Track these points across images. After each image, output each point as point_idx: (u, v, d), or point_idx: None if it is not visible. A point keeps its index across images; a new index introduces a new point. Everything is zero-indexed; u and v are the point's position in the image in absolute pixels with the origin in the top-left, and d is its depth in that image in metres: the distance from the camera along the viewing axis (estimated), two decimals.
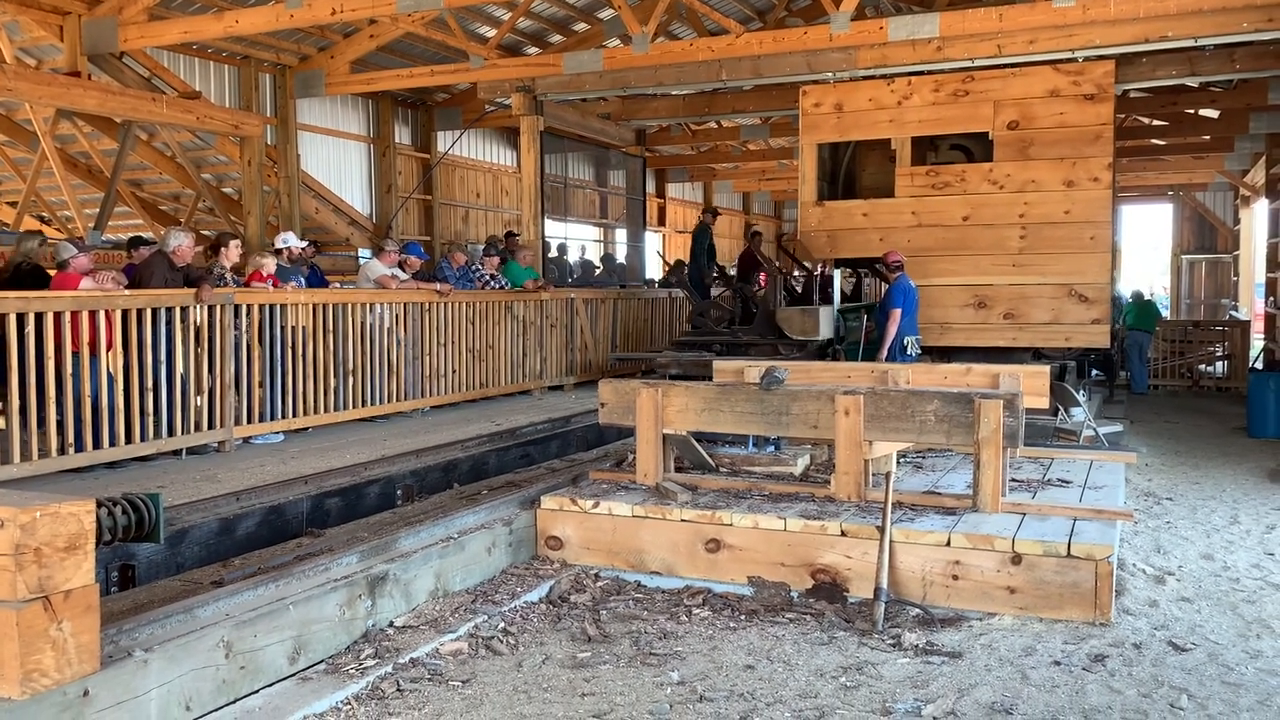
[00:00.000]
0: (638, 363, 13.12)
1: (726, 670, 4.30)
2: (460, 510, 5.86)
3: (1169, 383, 15.71)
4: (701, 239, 15.03)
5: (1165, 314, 21.40)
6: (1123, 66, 10.24)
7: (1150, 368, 15.43)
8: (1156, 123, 17.32)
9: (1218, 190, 24.44)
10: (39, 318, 6.66)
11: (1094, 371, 13.56)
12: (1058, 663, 4.32)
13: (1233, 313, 20.32)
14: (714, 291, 14.72)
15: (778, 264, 17.06)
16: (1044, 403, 6.61)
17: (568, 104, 13.73)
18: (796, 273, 22.54)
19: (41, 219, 14.54)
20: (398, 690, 4.03)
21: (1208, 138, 17.61)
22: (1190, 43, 9.76)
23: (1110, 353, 12.62)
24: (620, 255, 19.02)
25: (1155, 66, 10.72)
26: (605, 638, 4.68)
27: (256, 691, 3.95)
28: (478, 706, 3.93)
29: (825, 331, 10.43)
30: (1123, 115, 14.77)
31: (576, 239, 18.28)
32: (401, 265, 10.48)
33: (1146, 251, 28.02)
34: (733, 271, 15.91)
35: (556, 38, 15.40)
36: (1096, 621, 4.76)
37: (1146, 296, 16.54)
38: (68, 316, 6.86)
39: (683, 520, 5.57)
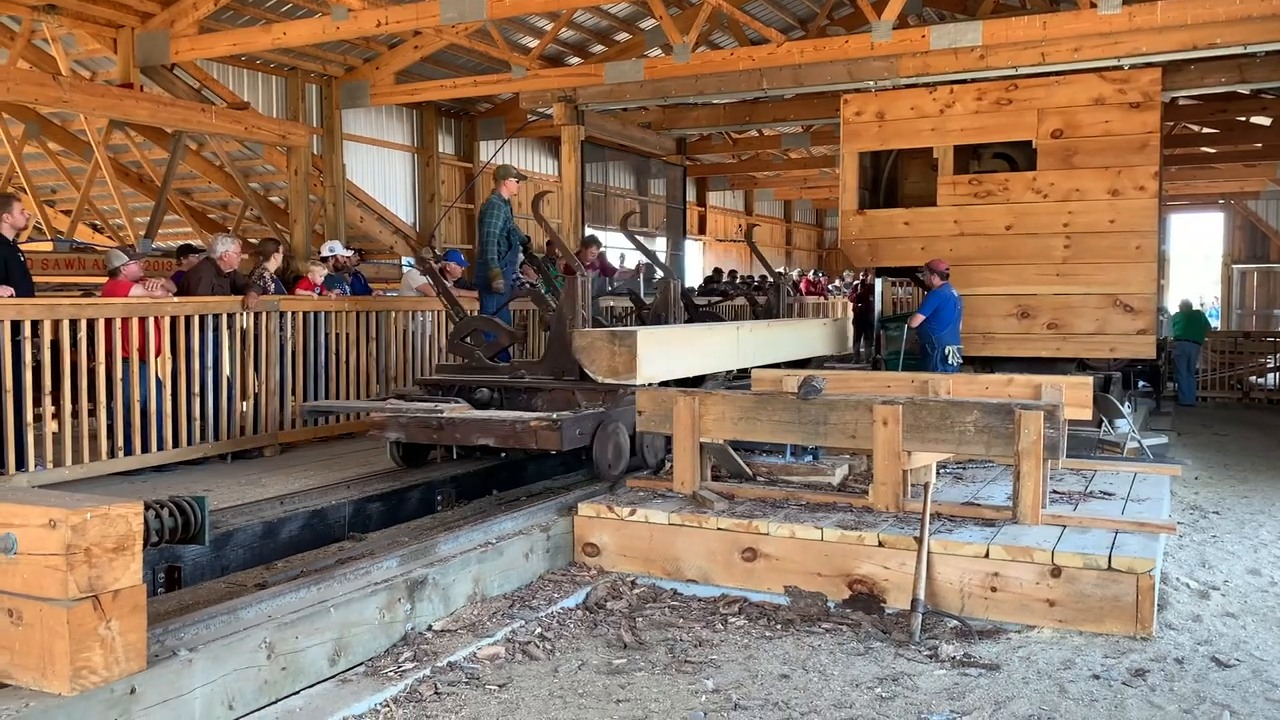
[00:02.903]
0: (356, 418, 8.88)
1: (762, 679, 4.30)
2: (499, 516, 5.91)
3: (1218, 394, 15.43)
4: (490, 220, 8.88)
5: (1215, 324, 21.03)
6: (1170, 74, 10.09)
7: (1199, 379, 15.18)
8: (1206, 130, 17.08)
9: (1271, 198, 24.01)
10: (91, 324, 6.82)
11: (1140, 383, 13.36)
12: (1097, 677, 4.27)
13: None
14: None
15: (640, 265, 12.77)
16: (1087, 414, 6.54)
17: (609, 113, 13.80)
18: (839, 282, 22.07)
19: (94, 227, 14.89)
20: (435, 693, 4.08)
21: (1259, 145, 17.33)
22: (1240, 49, 9.60)
23: (1157, 364, 12.43)
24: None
25: (1204, 74, 10.55)
26: (641, 645, 4.69)
27: (298, 692, 4.01)
28: (514, 711, 3.96)
29: (651, 369, 6.86)
30: (1171, 123, 14.60)
31: (615, 248, 18.33)
32: (443, 272, 10.58)
33: (1197, 261, 27.55)
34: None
35: (598, 48, 15.49)
36: (1138, 635, 4.70)
37: (1195, 306, 16.27)
38: (118, 323, 7.02)
39: (719, 529, 5.57)
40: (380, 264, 14.75)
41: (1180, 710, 3.95)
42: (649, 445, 7.19)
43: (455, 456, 7.68)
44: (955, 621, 4.89)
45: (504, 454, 7.50)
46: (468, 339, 7.73)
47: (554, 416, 6.54)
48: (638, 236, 10.16)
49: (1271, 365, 15.85)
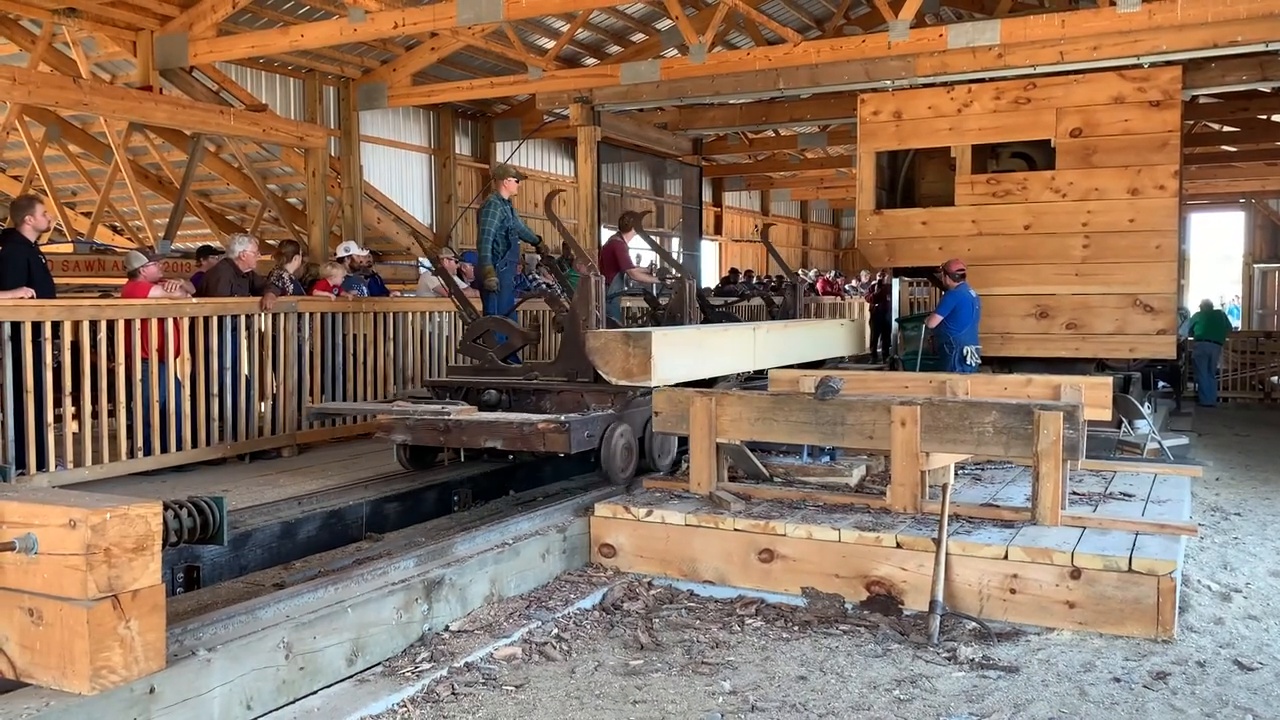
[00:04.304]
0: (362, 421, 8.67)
1: (779, 681, 4.29)
2: (515, 516, 5.91)
3: (1239, 395, 15.30)
4: (487, 219, 8.76)
5: (1236, 324, 20.86)
6: (1190, 72, 10.00)
7: (1219, 379, 15.06)
8: (1227, 129, 16.94)
9: None
10: (111, 325, 6.87)
11: (1160, 383, 13.27)
12: (1118, 679, 4.24)
13: None
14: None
15: (654, 263, 12.72)
16: (1107, 414, 6.49)
17: (625, 114, 13.80)
18: (855, 282, 22.04)
19: (114, 228, 14.99)
20: (452, 694, 4.08)
21: None
22: (1261, 47, 9.51)
23: (1177, 364, 12.33)
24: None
25: (1225, 72, 10.46)
26: (658, 646, 4.69)
27: (315, 692, 4.02)
28: (530, 711, 3.96)
29: (666, 371, 6.69)
30: (1191, 121, 14.48)
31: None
32: (460, 274, 10.60)
33: (1217, 260, 27.33)
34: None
35: (614, 48, 15.50)
36: (1159, 638, 4.66)
37: (1216, 306, 16.13)
38: (138, 324, 7.06)
39: (736, 530, 5.56)
40: (397, 265, 14.80)
41: (1202, 714, 3.91)
42: (659, 448, 7.11)
43: (463, 459, 7.62)
44: (974, 623, 4.86)
45: (512, 456, 7.38)
46: (479, 340, 7.64)
47: (562, 419, 6.41)
48: (652, 236, 10.06)
49: None
